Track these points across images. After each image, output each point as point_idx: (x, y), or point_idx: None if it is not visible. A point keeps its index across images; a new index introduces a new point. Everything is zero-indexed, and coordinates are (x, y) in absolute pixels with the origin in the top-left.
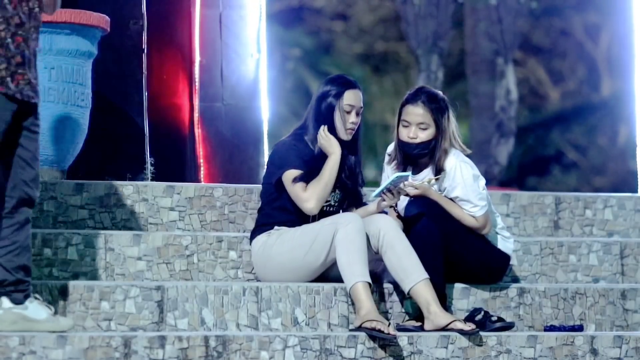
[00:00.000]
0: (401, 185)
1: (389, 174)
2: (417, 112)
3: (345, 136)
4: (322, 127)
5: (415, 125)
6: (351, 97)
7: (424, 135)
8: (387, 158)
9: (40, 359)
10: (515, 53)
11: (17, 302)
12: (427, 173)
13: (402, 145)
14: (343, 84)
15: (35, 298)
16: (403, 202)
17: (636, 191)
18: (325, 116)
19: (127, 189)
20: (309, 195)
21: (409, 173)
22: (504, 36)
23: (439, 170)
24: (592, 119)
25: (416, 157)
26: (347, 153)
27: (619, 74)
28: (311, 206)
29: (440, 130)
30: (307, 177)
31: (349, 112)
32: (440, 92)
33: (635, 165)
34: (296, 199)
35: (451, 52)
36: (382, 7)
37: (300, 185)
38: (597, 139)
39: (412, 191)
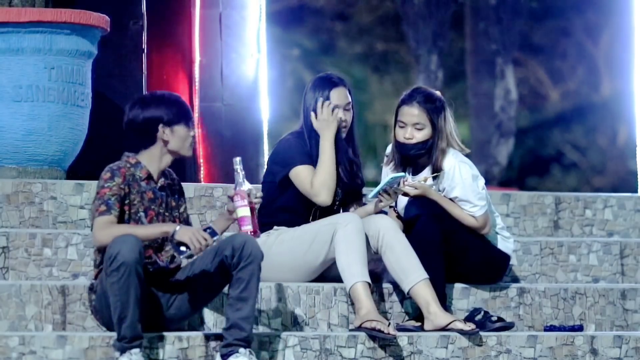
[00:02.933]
0: (400, 185)
1: (387, 174)
2: (412, 113)
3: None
4: (320, 100)
5: (411, 126)
6: (335, 96)
7: (420, 136)
8: (385, 159)
9: (40, 359)
10: (515, 53)
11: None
12: (426, 174)
13: (398, 146)
14: (328, 83)
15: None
16: (403, 202)
17: (636, 191)
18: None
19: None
20: (317, 189)
21: (403, 174)
22: (504, 36)
23: (437, 170)
24: (592, 119)
25: (413, 157)
26: (344, 152)
27: (619, 74)
28: (323, 199)
29: (436, 130)
30: (312, 165)
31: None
32: (436, 92)
33: (635, 165)
34: (308, 195)
35: (451, 52)
36: (382, 7)
37: (309, 180)
38: (597, 139)
39: (412, 191)
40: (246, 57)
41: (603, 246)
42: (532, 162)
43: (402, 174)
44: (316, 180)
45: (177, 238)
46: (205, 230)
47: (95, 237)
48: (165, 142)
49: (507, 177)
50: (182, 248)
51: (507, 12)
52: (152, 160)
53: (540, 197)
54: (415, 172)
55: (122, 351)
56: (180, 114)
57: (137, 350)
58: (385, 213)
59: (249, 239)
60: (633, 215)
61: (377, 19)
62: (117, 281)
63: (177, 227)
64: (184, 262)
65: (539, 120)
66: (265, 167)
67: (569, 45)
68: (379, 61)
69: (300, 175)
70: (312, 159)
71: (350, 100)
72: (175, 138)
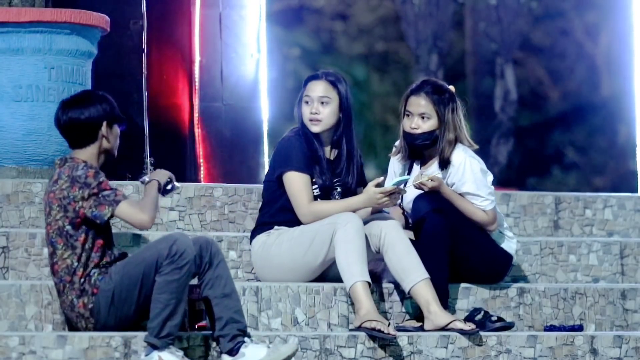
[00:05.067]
0: (409, 182)
1: (395, 166)
2: (419, 103)
3: (311, 128)
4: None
5: (417, 116)
6: (310, 88)
7: (425, 126)
8: (393, 149)
9: (40, 359)
10: (515, 53)
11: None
12: (435, 166)
13: (405, 136)
14: (308, 77)
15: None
16: (410, 196)
17: (636, 191)
18: (297, 112)
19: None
20: (308, 215)
21: (408, 176)
22: (504, 36)
23: (444, 162)
24: (592, 119)
25: (419, 147)
26: (345, 148)
27: (619, 74)
28: (306, 220)
29: (442, 122)
30: (309, 174)
31: (307, 103)
32: (445, 84)
33: (635, 165)
34: (295, 204)
35: (451, 52)
36: (382, 7)
37: (303, 191)
38: (597, 139)
39: (430, 183)
40: (246, 57)
41: (603, 246)
42: (532, 162)
43: (407, 177)
44: (317, 207)
45: (163, 181)
46: (143, 178)
47: (140, 219)
48: (104, 141)
49: (507, 177)
50: (168, 187)
51: (507, 12)
52: (92, 160)
53: (540, 197)
54: (424, 165)
55: (163, 347)
56: (118, 113)
57: (175, 346)
58: (386, 212)
59: (208, 238)
60: (633, 215)
61: (377, 19)
62: (178, 279)
63: (156, 177)
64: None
65: (539, 120)
66: (267, 166)
67: (569, 45)
68: (379, 61)
69: (293, 182)
70: (309, 163)
71: (327, 95)
72: (112, 137)
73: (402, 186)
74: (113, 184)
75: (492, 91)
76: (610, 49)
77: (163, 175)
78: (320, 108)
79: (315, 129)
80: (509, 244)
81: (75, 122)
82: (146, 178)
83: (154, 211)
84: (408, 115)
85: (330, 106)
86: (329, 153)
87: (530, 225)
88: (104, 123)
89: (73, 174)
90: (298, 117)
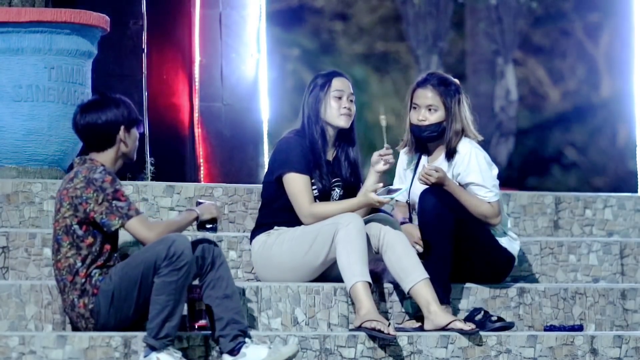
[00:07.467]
0: (427, 171)
1: (402, 159)
2: (425, 95)
3: (342, 122)
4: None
5: (424, 108)
6: (339, 84)
7: (433, 118)
8: (400, 143)
9: (40, 359)
10: (515, 53)
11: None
12: (441, 159)
13: (412, 129)
14: (329, 74)
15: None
16: (417, 191)
17: (636, 191)
18: (315, 110)
19: (127, 188)
20: (310, 215)
21: (404, 187)
22: (504, 36)
23: (450, 153)
24: (592, 119)
25: (426, 140)
26: (346, 148)
27: (619, 74)
28: (308, 222)
29: (449, 113)
30: (309, 175)
31: (340, 98)
32: (451, 77)
33: (635, 165)
34: (296, 205)
35: (451, 52)
36: (382, 7)
37: (304, 192)
38: (597, 139)
39: (435, 174)
40: (246, 57)
41: (603, 246)
42: (532, 162)
43: (405, 187)
44: (318, 209)
45: (205, 217)
46: (199, 204)
47: (145, 237)
48: (122, 145)
49: (507, 177)
50: (208, 225)
51: (507, 12)
52: (110, 164)
53: (540, 197)
54: (430, 157)
55: (161, 348)
56: (136, 117)
57: (173, 347)
58: (387, 213)
59: (210, 239)
60: (633, 215)
61: (377, 19)
62: (176, 280)
63: (197, 210)
64: (213, 236)
65: (539, 120)
66: (267, 166)
67: (569, 45)
68: (379, 61)
69: (293, 184)
70: (308, 164)
71: (352, 91)
72: (130, 140)
73: (400, 196)
74: None
75: (492, 91)
76: (610, 49)
77: (210, 212)
78: (351, 104)
79: (346, 123)
80: (512, 245)
81: (92, 126)
82: (200, 203)
83: (165, 234)
84: (415, 108)
85: (354, 104)
86: (331, 153)
87: (530, 225)
88: (122, 127)
89: (90, 175)
90: (314, 113)
